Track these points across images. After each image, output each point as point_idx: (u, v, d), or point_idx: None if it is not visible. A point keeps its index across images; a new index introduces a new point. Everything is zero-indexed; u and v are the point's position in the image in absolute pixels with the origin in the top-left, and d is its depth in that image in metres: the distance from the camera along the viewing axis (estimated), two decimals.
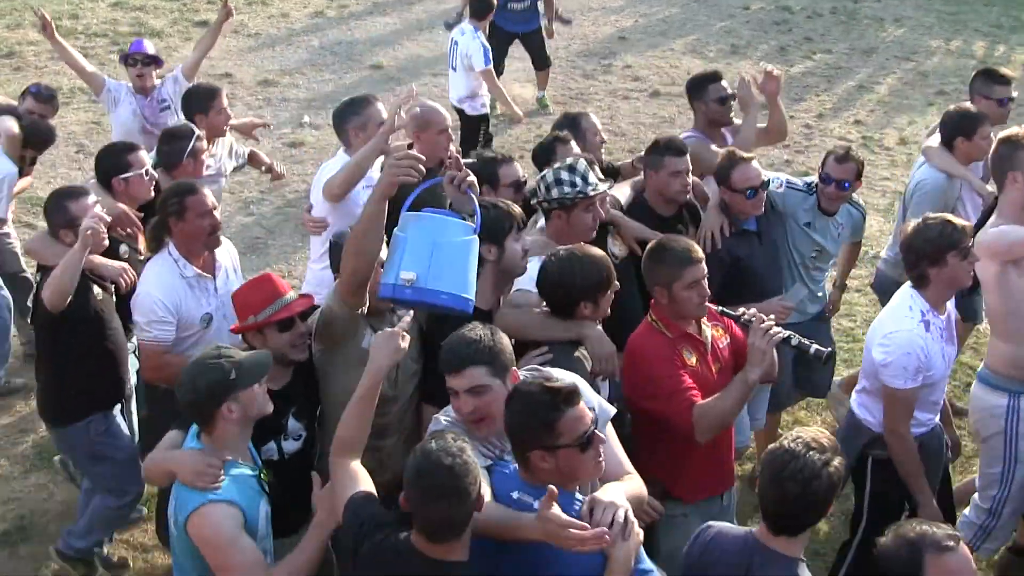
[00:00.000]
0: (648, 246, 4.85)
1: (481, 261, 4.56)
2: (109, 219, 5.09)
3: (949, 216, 4.93)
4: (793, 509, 3.50)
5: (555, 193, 5.00)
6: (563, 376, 3.79)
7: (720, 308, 4.72)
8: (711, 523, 3.88)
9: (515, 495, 3.49)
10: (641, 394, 4.61)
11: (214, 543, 3.73)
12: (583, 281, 4.48)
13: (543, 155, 5.86)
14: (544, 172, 5.12)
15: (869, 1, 17.07)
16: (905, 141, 11.79)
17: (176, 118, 7.27)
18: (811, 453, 3.47)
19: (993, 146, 5.64)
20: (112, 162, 5.72)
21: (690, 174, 5.68)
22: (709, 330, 4.74)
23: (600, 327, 4.63)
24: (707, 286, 4.63)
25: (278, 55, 13.62)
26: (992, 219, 5.39)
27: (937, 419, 5.18)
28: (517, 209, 4.81)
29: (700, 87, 6.60)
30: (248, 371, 3.88)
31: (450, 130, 6.19)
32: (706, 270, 4.63)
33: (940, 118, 6.74)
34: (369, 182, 5.70)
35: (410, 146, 5.41)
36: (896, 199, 10.18)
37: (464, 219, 4.22)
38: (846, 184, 5.88)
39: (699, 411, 4.40)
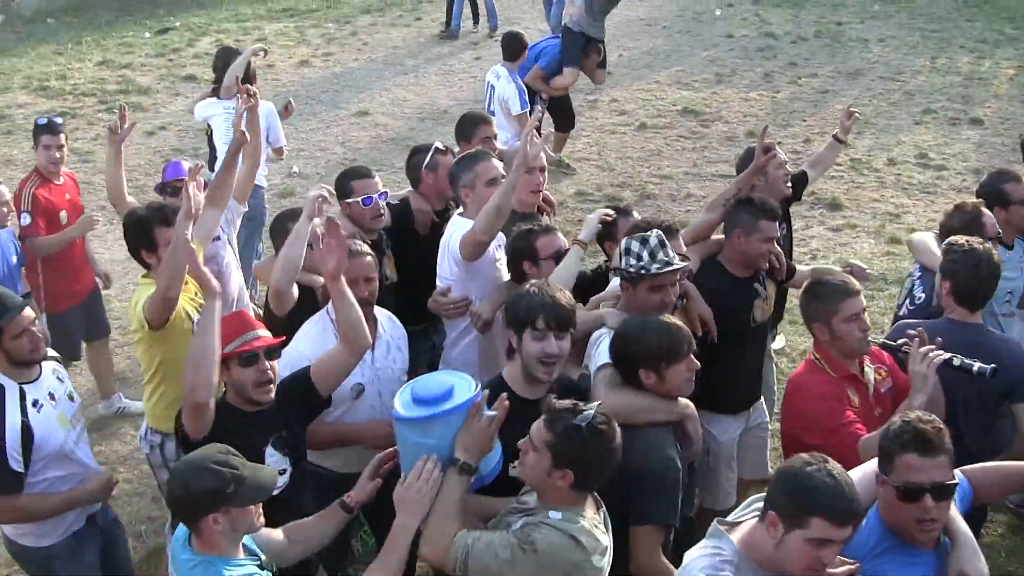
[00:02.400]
0: (804, 284, 4.80)
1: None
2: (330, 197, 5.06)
3: None
4: (989, 286, 4.78)
5: (622, 263, 4.65)
6: None
7: (881, 341, 4.68)
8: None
9: None
10: (803, 428, 4.51)
11: None
12: (640, 347, 4.20)
13: (604, 228, 5.48)
14: (626, 238, 4.75)
15: (853, 23, 17.17)
16: (893, 162, 11.75)
17: (230, 248, 6.45)
18: (986, 246, 4.77)
19: None
20: (337, 185, 5.73)
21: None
22: (872, 372, 4.64)
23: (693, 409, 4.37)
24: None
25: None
26: None
27: None
28: (562, 298, 4.25)
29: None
30: (248, 490, 3.51)
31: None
32: (864, 303, 4.53)
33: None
34: (499, 241, 5.44)
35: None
36: (886, 221, 10.17)
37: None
38: None
39: (865, 444, 4.24)
